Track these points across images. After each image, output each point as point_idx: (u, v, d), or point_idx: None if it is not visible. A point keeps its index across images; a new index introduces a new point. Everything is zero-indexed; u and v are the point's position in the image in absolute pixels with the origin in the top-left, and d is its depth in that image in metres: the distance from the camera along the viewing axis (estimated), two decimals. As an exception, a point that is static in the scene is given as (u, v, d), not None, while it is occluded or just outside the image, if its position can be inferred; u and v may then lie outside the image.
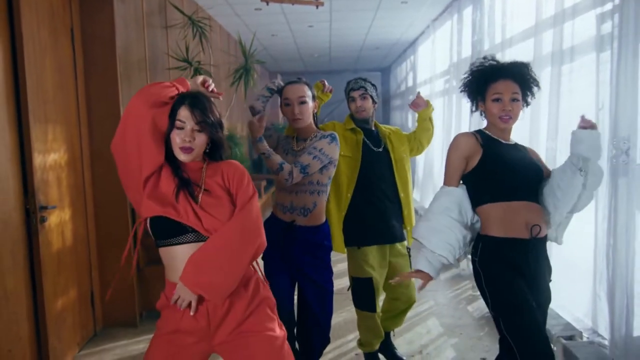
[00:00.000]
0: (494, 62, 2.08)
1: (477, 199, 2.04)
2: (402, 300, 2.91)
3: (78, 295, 3.21)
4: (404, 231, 2.89)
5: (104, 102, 3.38)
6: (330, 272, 2.51)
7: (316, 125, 2.54)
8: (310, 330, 2.46)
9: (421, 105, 3.02)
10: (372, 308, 2.77)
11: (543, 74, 3.36)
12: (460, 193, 2.04)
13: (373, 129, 2.88)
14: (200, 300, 1.64)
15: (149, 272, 3.62)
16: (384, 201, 2.80)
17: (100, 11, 3.33)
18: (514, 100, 2.00)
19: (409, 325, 3.57)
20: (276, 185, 2.51)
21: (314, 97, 2.46)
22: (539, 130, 3.44)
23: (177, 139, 1.68)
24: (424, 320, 3.72)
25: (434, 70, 6.89)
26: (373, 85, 2.87)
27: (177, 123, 1.68)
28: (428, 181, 7.08)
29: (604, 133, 2.72)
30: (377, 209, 2.78)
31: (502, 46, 4.15)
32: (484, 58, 2.11)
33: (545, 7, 3.34)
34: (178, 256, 1.65)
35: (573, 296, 3.19)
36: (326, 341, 2.52)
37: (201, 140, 1.69)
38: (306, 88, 2.43)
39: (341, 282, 3.80)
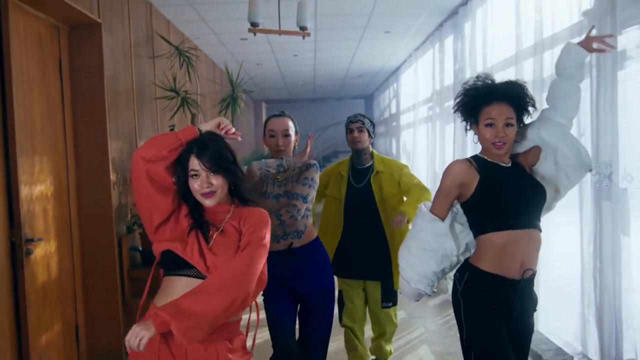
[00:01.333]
0: (488, 82, 1.98)
1: (478, 228, 1.96)
2: (382, 322, 3.12)
3: (63, 329, 3.14)
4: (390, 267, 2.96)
5: (91, 132, 3.37)
6: (329, 276, 2.61)
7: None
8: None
9: (403, 222, 2.88)
10: (340, 319, 3.11)
11: (525, 101, 3.44)
12: (443, 228, 1.99)
13: (366, 163, 3.06)
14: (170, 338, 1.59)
15: (134, 304, 3.55)
16: (365, 236, 2.98)
17: (89, 43, 3.35)
18: (507, 125, 1.91)
19: (400, 354, 3.55)
20: None
21: (296, 131, 2.62)
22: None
23: (195, 185, 1.70)
24: (415, 348, 3.70)
25: (417, 97, 7.01)
26: (371, 122, 3.06)
27: (191, 172, 1.70)
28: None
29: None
30: (357, 244, 2.98)
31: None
32: (477, 77, 2.03)
33: (525, 37, 3.45)
34: (175, 287, 1.65)
35: (562, 320, 3.21)
36: None
37: (219, 181, 1.70)
38: (290, 122, 2.60)
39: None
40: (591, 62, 2.69)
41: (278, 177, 2.56)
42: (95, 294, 3.41)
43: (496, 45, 4.03)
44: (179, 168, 1.72)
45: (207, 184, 1.69)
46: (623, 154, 2.58)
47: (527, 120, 2.06)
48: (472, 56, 4.52)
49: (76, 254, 3.35)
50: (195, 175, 1.69)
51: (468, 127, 2.06)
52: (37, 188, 2.89)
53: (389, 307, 3.05)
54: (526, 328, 1.99)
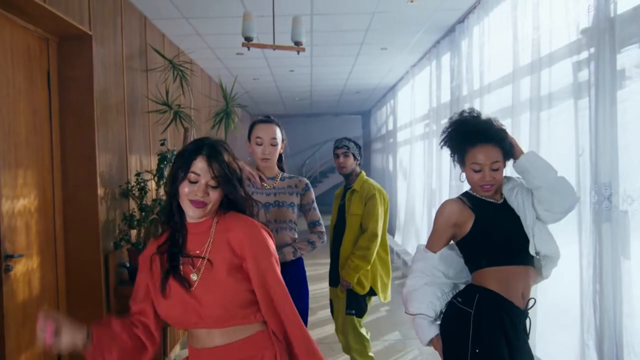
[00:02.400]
0: (473, 120, 1.94)
1: (473, 264, 1.94)
2: (346, 332, 3.27)
3: (45, 355, 3.02)
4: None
5: (79, 145, 3.29)
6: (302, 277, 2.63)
7: (280, 165, 2.67)
8: None
9: (349, 286, 3.19)
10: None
11: (522, 120, 3.39)
12: (436, 260, 1.96)
13: (352, 184, 3.25)
14: None
15: (121, 323, 3.44)
16: (337, 247, 3.26)
17: (79, 55, 3.29)
18: (495, 169, 1.89)
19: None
20: None
21: (282, 139, 2.59)
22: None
23: (186, 189, 1.51)
24: (409, 373, 3.59)
25: (413, 114, 6.98)
26: (357, 145, 3.26)
27: (191, 176, 1.50)
28: (410, 226, 7.04)
29: (585, 179, 2.73)
30: (333, 254, 3.32)
31: (480, 92, 4.22)
32: (462, 113, 2.00)
33: (522, 55, 3.41)
34: (199, 335, 1.58)
35: (561, 345, 3.11)
36: None
37: (216, 196, 1.53)
38: (278, 129, 2.56)
39: (323, 331, 3.68)
40: (589, 81, 2.64)
41: (267, 185, 2.53)
42: (80, 312, 3.30)
43: (493, 63, 3.99)
44: (176, 166, 1.54)
45: (202, 193, 1.50)
46: (623, 175, 2.51)
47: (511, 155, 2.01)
48: (469, 73, 4.49)
49: (60, 271, 3.25)
50: (195, 181, 1.50)
51: (455, 164, 2.03)
52: (19, 202, 2.80)
53: (352, 314, 3.20)
54: (528, 353, 1.94)
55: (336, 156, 3.24)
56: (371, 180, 3.28)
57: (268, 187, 2.53)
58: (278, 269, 1.59)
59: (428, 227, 5.89)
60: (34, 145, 2.99)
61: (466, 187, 2.09)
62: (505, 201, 1.96)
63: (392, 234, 8.28)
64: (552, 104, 3.06)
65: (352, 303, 3.19)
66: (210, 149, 1.54)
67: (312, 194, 2.60)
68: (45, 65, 3.15)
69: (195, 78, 6.04)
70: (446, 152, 2.09)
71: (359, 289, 3.16)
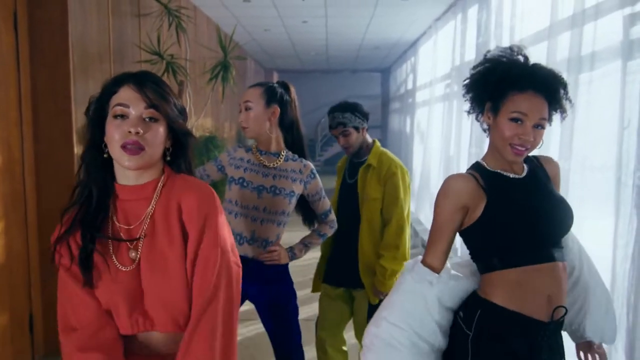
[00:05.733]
0: (524, 59, 1.43)
1: (483, 264, 1.44)
2: None
3: (11, 320, 2.78)
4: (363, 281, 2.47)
5: (51, 97, 2.95)
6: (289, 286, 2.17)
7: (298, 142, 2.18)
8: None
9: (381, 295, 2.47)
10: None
11: (557, 83, 2.94)
12: (434, 293, 1.38)
13: (363, 157, 2.52)
14: None
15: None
16: (343, 240, 2.47)
17: (51, -7, 2.90)
18: (538, 126, 1.38)
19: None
20: (230, 210, 2.06)
21: (271, 101, 2.04)
22: (548, 147, 2.97)
23: (116, 134, 1.15)
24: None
25: (434, 73, 6.49)
26: (356, 108, 2.47)
27: (117, 109, 1.15)
28: (424, 192, 6.69)
29: (629, 156, 2.31)
30: (336, 247, 2.53)
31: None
32: (510, 49, 1.45)
33: (562, 7, 2.91)
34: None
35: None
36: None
37: (155, 134, 1.17)
38: (259, 91, 2.04)
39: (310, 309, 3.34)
40: (633, 41, 2.18)
41: (268, 163, 2.05)
42: (54, 280, 3.04)
43: (527, 16, 3.49)
44: (94, 110, 1.20)
45: (136, 129, 1.13)
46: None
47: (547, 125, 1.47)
48: (498, 29, 3.99)
49: (32, 236, 2.97)
50: (123, 114, 1.15)
51: (471, 110, 1.52)
52: (-24, 161, 2.50)
53: None
54: None
55: (335, 137, 2.53)
56: (390, 154, 2.54)
57: (268, 164, 2.05)
58: (222, 237, 1.23)
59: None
60: (-4, 97, 2.65)
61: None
62: (529, 174, 1.47)
63: (406, 199, 7.93)
64: (595, 65, 2.59)
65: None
66: (137, 76, 1.20)
67: (319, 182, 2.14)
68: (11, 5, 2.77)
69: (200, 27, 5.60)
70: (466, 116, 1.61)
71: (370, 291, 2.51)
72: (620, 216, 2.35)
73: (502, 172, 1.44)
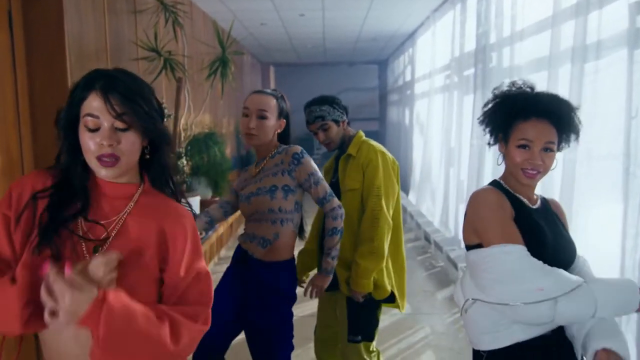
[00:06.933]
0: (527, 91, 1.53)
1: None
2: None
3: None
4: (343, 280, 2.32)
5: (49, 97, 2.90)
6: (280, 317, 2.07)
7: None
8: None
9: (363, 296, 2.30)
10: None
11: (561, 73, 2.91)
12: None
13: (346, 150, 2.38)
14: None
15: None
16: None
17: (45, -9, 2.85)
18: (546, 150, 1.47)
19: None
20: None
21: (281, 114, 2.07)
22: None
23: (91, 145, 1.12)
24: (418, 354, 3.22)
25: (433, 64, 6.44)
26: (332, 103, 2.34)
27: (88, 120, 1.11)
28: (425, 184, 6.65)
29: (637, 146, 2.28)
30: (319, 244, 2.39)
31: (511, 39, 3.69)
32: (513, 84, 1.56)
33: (566, -5, 2.88)
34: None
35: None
36: None
37: (130, 142, 1.13)
38: (274, 101, 2.03)
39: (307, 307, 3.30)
40: (639, 29, 2.14)
41: (254, 170, 2.11)
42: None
43: (528, 5, 3.45)
44: (66, 114, 1.16)
45: (109, 141, 1.10)
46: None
47: (562, 147, 1.56)
48: (499, 18, 3.95)
49: (33, 238, 2.93)
50: (95, 128, 1.10)
51: (491, 142, 1.61)
52: (-25, 164, 2.45)
53: (357, 341, 2.29)
54: None
55: (314, 133, 2.36)
56: (372, 142, 2.37)
57: (256, 170, 2.09)
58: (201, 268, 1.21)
59: (444, 187, 5.48)
60: (-7, 98, 2.61)
61: (492, 171, 1.66)
62: (542, 207, 1.56)
63: (407, 192, 7.90)
64: (601, 54, 2.56)
65: (358, 323, 2.31)
66: (104, 80, 1.12)
67: (308, 165, 2.01)
68: (5, 4, 2.72)
69: (196, 22, 5.54)
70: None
71: (380, 292, 2.31)
72: (629, 207, 2.32)
73: (521, 198, 1.53)
